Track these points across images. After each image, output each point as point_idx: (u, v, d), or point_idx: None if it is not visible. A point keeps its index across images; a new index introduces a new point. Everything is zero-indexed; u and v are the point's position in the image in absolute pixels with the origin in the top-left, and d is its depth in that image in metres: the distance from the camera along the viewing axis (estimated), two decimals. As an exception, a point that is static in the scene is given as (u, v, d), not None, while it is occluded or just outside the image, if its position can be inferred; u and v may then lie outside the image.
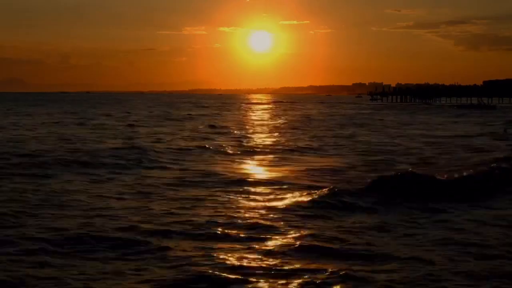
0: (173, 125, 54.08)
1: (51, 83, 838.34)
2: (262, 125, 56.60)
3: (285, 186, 18.85)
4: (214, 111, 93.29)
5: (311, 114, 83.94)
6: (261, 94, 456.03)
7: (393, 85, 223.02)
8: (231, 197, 16.97)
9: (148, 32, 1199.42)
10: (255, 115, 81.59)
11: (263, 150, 31.39)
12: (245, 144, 34.99)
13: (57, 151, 27.67)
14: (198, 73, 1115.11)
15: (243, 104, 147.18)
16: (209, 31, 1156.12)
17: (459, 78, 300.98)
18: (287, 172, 22.55)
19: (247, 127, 53.36)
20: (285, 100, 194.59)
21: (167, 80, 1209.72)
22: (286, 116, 76.99)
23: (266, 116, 79.77)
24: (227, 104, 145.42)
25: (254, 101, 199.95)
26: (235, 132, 46.14)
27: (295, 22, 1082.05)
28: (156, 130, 45.65)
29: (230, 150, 30.85)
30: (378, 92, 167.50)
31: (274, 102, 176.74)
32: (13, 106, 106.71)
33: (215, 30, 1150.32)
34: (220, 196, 17.16)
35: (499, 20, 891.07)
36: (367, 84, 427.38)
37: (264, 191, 17.94)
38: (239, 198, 16.87)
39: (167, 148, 31.00)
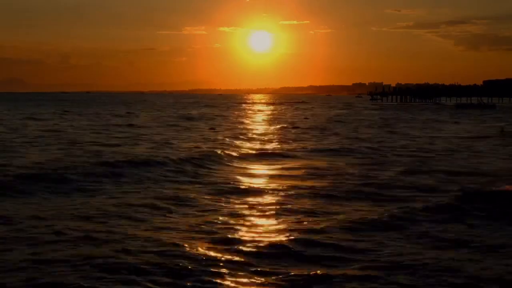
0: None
1: (51, 83, 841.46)
2: (298, 127, 54.57)
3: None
4: (235, 112, 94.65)
5: (334, 114, 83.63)
6: (261, 94, 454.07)
7: (393, 85, 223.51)
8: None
9: (148, 32, 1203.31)
10: (283, 116, 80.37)
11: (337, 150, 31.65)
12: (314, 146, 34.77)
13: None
14: (198, 73, 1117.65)
15: (257, 105, 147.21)
16: (209, 31, 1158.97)
17: (459, 78, 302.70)
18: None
19: (291, 127, 53.70)
20: (291, 100, 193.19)
21: (167, 80, 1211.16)
22: (311, 117, 76.40)
23: (288, 115, 79.44)
24: (237, 104, 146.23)
25: (262, 101, 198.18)
26: (284, 133, 46.52)
27: (295, 22, 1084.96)
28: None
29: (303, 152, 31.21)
30: (378, 92, 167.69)
31: (284, 102, 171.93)
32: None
33: (215, 30, 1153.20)
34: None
35: (499, 20, 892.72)
36: (367, 84, 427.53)
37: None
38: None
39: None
